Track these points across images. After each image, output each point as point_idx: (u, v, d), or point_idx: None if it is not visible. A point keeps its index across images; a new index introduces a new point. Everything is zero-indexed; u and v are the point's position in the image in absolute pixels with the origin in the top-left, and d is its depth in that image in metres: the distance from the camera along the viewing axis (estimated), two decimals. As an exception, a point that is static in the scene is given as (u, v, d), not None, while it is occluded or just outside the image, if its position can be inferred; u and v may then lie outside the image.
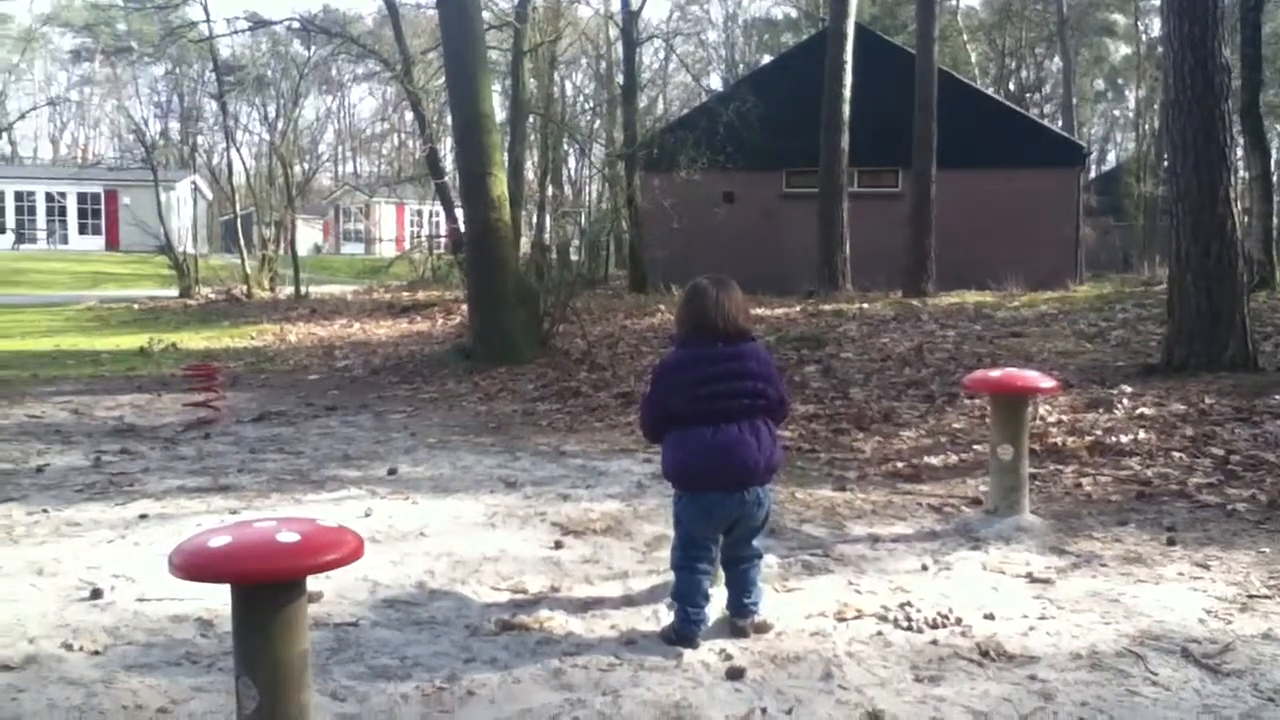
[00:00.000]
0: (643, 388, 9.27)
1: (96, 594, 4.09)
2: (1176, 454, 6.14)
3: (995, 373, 5.22)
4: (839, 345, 10.72)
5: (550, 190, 25.16)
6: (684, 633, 3.60)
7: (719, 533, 3.68)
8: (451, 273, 19.84)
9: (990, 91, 32.44)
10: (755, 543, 3.76)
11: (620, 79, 26.96)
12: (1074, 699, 3.14)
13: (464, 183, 12.03)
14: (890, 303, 14.80)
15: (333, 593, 4.10)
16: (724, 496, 3.61)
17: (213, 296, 22.78)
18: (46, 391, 10.35)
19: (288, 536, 2.63)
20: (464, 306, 14.56)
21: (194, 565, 2.58)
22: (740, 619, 3.68)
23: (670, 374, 3.69)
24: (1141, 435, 6.51)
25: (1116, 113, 55.02)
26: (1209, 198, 8.04)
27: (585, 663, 3.44)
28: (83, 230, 42.85)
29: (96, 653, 3.54)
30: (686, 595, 3.65)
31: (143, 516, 5.30)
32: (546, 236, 20.82)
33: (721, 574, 3.80)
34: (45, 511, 5.43)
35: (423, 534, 4.98)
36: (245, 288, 23.57)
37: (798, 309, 14.45)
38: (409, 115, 30.44)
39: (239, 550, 2.59)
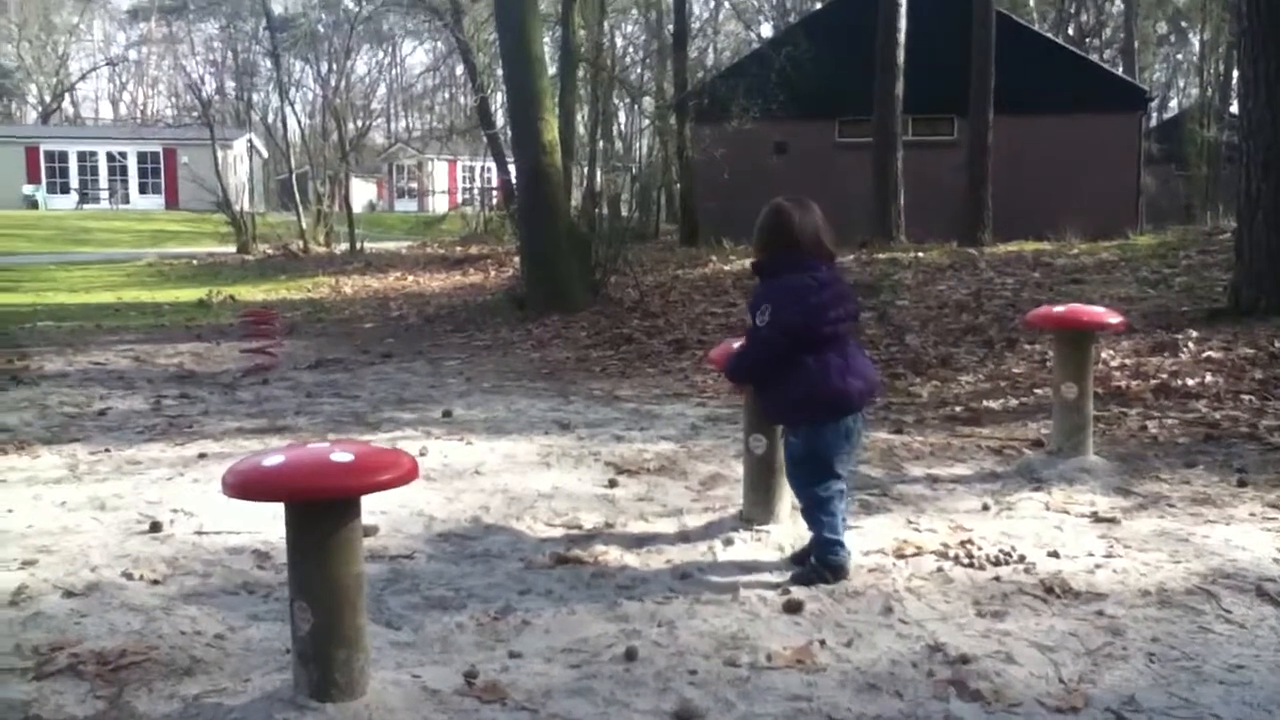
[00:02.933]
0: (695, 333, 9.21)
1: (156, 527, 4.14)
2: (1246, 397, 5.96)
3: (1059, 308, 5.08)
4: (894, 293, 10.55)
5: (601, 143, 25.01)
6: (838, 564, 3.49)
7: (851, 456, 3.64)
8: (503, 226, 19.83)
9: (1049, 35, 31.61)
10: None
11: (670, 27, 26.62)
12: (1144, 635, 3.05)
13: (515, 129, 11.96)
14: (946, 251, 14.53)
15: (388, 527, 4.12)
16: (855, 419, 3.58)
17: (270, 252, 23.02)
18: (109, 340, 10.51)
19: (342, 456, 2.61)
20: (516, 259, 14.55)
21: (248, 484, 2.58)
22: None
23: (797, 299, 3.46)
24: (1209, 378, 6.32)
25: (1180, 57, 53.37)
26: (1283, 133, 7.74)
27: (641, 595, 3.41)
28: (143, 189, 43.44)
29: (156, 582, 3.58)
30: (833, 526, 3.54)
31: (201, 456, 5.36)
32: (597, 187, 20.70)
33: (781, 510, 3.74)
34: (107, 451, 5.51)
35: (477, 472, 4.99)
36: (301, 243, 23.77)
37: (851, 258, 14.23)
38: (459, 69, 30.37)
39: (293, 469, 2.58)
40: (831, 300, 3.50)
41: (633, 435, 5.76)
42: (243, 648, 3.06)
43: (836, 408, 3.52)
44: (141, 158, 43.50)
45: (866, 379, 3.58)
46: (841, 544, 3.54)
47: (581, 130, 23.00)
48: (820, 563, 3.52)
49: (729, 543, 3.87)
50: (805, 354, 3.49)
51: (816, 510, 3.56)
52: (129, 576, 3.61)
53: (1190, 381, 6.27)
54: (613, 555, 3.79)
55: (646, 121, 28.65)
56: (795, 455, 3.63)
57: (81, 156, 43.26)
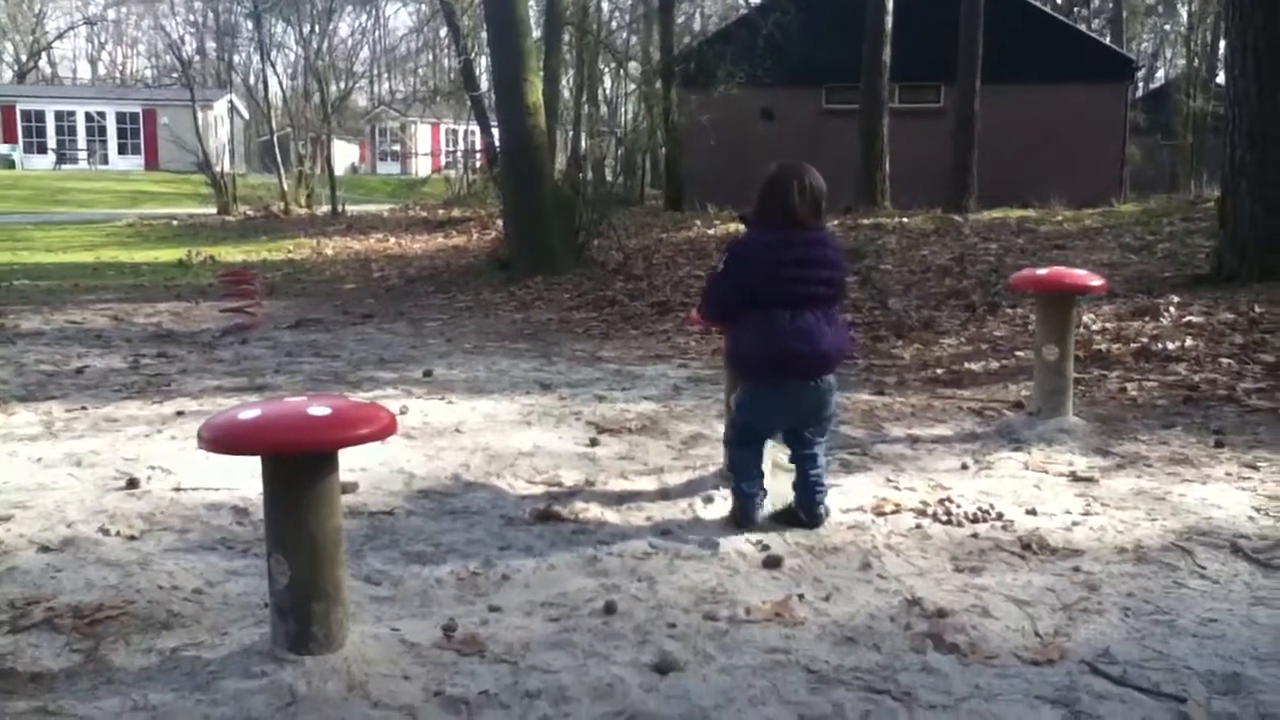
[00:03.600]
0: (678, 296, 9.19)
1: (133, 484, 4.11)
2: (1225, 360, 5.99)
3: (1043, 271, 5.09)
4: (878, 257, 10.54)
5: (586, 107, 24.81)
6: (743, 507, 3.58)
7: (785, 421, 3.65)
8: (486, 189, 19.71)
9: (1037, 3, 31.48)
10: (828, 427, 3.74)
11: (657, -9, 26.32)
12: (1119, 590, 3.08)
13: (499, 90, 11.86)
14: (931, 218, 14.53)
15: (368, 484, 4.10)
16: (799, 386, 3.56)
17: (251, 214, 22.86)
18: (87, 300, 10.43)
19: (319, 410, 2.59)
20: (499, 222, 14.49)
21: (224, 438, 2.55)
22: (814, 504, 3.61)
23: (753, 252, 3.56)
24: (1189, 342, 6.35)
25: (1167, 28, 53.25)
26: (1268, 102, 7.72)
27: (620, 551, 3.41)
28: (122, 150, 42.95)
29: (133, 537, 3.56)
30: (742, 467, 3.62)
31: (179, 413, 5.32)
32: (582, 151, 20.56)
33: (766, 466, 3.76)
34: (84, 409, 5.47)
35: (458, 430, 4.97)
36: (282, 205, 23.61)
37: (836, 223, 14.22)
38: (443, 31, 30.03)
39: (270, 423, 2.56)
40: (794, 262, 3.49)
41: (614, 395, 5.75)
42: (220, 602, 3.05)
43: (771, 368, 3.55)
44: (120, 118, 42.96)
45: (816, 345, 3.50)
46: (749, 495, 3.60)
47: (566, 94, 22.81)
48: (732, 506, 3.64)
49: (709, 500, 3.87)
50: (753, 308, 3.53)
51: (733, 457, 3.69)
52: (106, 532, 3.59)
53: (1170, 345, 6.30)
54: (593, 512, 3.78)
55: (632, 86, 28.44)
56: (735, 401, 3.75)
57: (59, 116, 42.70)
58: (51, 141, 42.23)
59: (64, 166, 40.54)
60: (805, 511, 3.62)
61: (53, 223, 21.68)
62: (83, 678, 2.58)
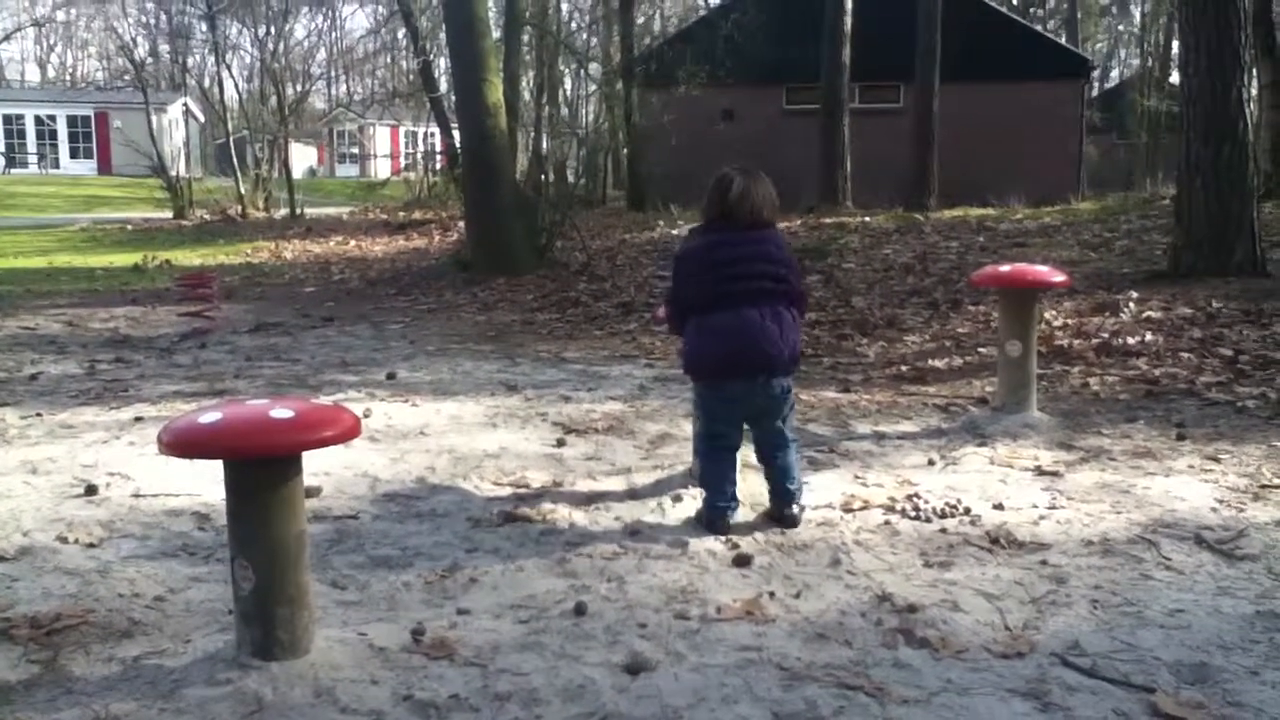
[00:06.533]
0: (642, 297, 9.18)
1: (91, 490, 4.03)
2: (1185, 354, 6.07)
3: (1005, 267, 5.13)
4: (841, 256, 10.59)
5: (547, 108, 24.74)
6: (711, 519, 3.56)
7: (741, 422, 3.63)
8: (447, 190, 19.60)
9: (993, 3, 31.79)
10: (786, 431, 3.66)
11: (617, -8, 26.32)
12: (1087, 582, 3.09)
13: (459, 90, 11.81)
14: (892, 216, 14.61)
15: (332, 488, 4.05)
16: (746, 386, 3.53)
17: (207, 217, 22.54)
18: (40, 305, 10.24)
19: (281, 413, 2.55)
20: (461, 224, 14.40)
21: (185, 441, 2.50)
22: (786, 506, 3.60)
23: (687, 260, 3.59)
24: (1149, 337, 6.42)
25: (1121, 28, 53.99)
26: (1221, 99, 7.83)
27: (589, 551, 3.39)
28: (74, 154, 42.23)
29: (92, 545, 3.48)
30: (711, 481, 3.60)
31: (138, 419, 5.23)
32: (544, 152, 20.51)
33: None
34: (39, 415, 5.36)
35: (423, 433, 4.92)
36: (240, 208, 23.31)
37: (798, 223, 14.27)
38: (401, 32, 29.83)
39: (231, 426, 2.51)
40: (732, 260, 3.48)
41: (580, 396, 5.72)
42: (183, 609, 2.99)
43: (712, 371, 3.56)
44: (71, 121, 42.26)
45: (759, 342, 3.47)
46: (715, 503, 3.57)
47: (527, 95, 22.74)
48: (705, 517, 3.60)
49: (678, 499, 3.85)
50: (692, 315, 3.57)
51: (703, 470, 3.68)
52: (63, 540, 3.51)
53: (1131, 340, 6.37)
54: (561, 513, 3.76)
55: (593, 87, 28.42)
56: (696, 405, 3.79)
57: (7, 120, 41.91)
58: (0, 145, 41.47)
59: (13, 170, 39.81)
60: (779, 514, 3.62)
61: (2, 228, 21.28)
62: (41, 688, 2.52)
